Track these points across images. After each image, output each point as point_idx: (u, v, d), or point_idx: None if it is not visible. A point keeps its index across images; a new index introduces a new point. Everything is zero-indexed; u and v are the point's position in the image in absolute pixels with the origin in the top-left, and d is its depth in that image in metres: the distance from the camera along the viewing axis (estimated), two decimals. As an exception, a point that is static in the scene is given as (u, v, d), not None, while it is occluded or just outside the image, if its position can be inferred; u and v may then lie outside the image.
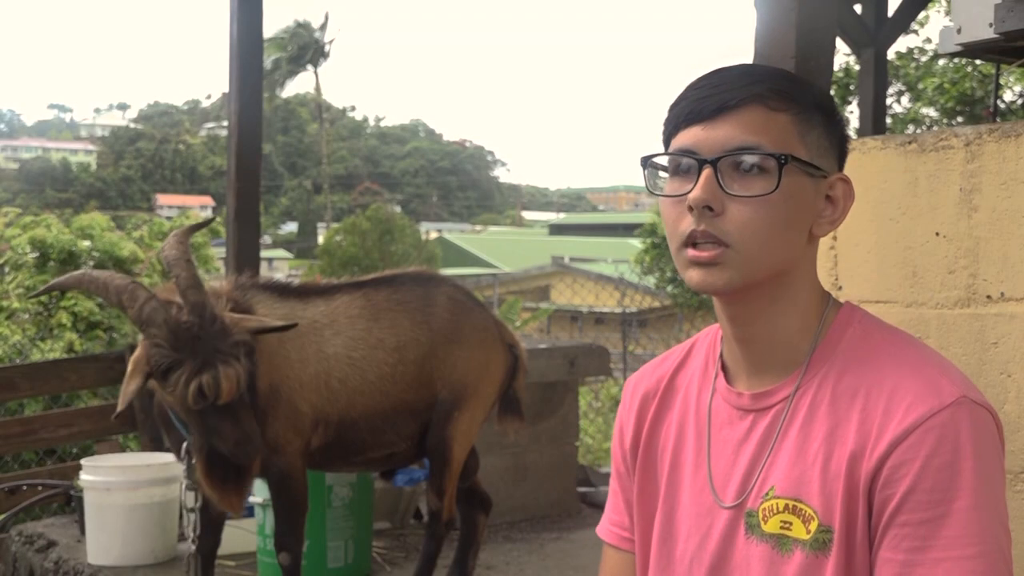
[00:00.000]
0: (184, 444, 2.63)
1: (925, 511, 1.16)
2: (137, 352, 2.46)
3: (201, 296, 2.44)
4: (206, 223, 2.86)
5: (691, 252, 1.25)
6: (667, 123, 1.31)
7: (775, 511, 1.27)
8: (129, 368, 2.46)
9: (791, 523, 1.25)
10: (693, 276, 1.26)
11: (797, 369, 1.30)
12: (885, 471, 1.19)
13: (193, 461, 2.61)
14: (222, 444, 2.43)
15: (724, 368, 1.39)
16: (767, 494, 1.28)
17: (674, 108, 1.30)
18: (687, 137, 1.26)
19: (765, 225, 1.23)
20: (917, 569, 1.16)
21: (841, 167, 1.33)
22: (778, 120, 1.25)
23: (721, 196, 1.23)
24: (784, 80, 1.29)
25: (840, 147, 1.32)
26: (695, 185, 1.23)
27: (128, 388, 2.40)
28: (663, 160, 1.31)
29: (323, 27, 46.19)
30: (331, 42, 46.83)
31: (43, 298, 9.00)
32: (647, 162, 1.32)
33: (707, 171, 1.23)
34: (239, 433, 2.41)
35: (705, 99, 1.26)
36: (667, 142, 1.31)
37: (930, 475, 1.16)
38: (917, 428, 1.18)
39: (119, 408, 2.42)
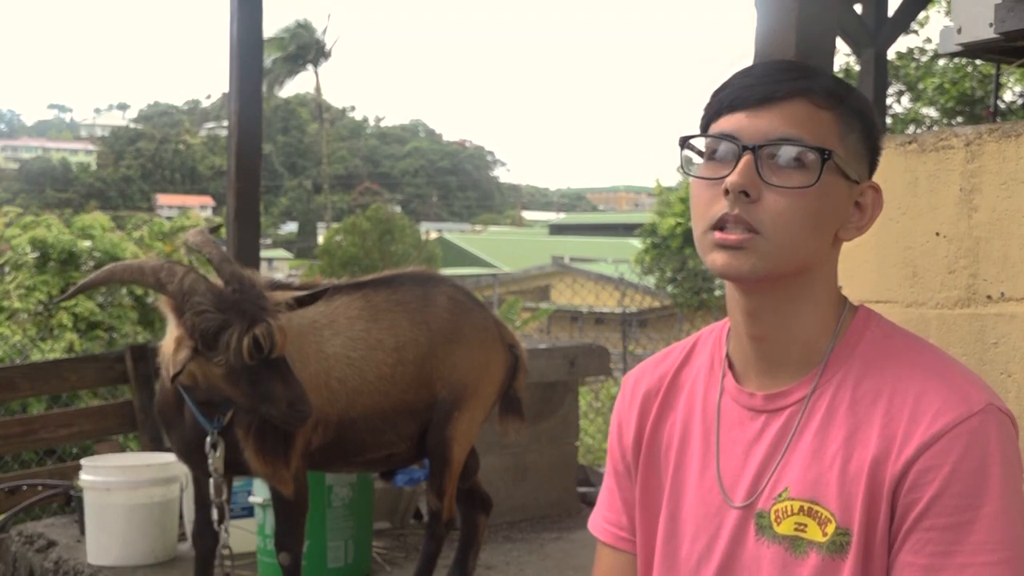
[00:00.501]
0: (207, 438, 2.63)
1: (952, 516, 1.16)
2: (174, 334, 2.47)
3: (234, 267, 2.50)
4: (219, 227, 2.94)
5: (718, 235, 1.24)
6: (708, 108, 1.31)
7: (789, 512, 1.26)
8: (172, 348, 2.48)
9: (806, 525, 1.25)
10: (717, 259, 1.25)
11: (813, 370, 1.30)
12: (912, 475, 1.18)
13: (218, 454, 2.62)
14: (274, 408, 2.43)
15: (732, 367, 1.38)
16: (780, 495, 1.27)
17: (718, 93, 1.31)
18: (729, 122, 1.27)
19: (798, 218, 1.23)
20: (941, 574, 1.16)
21: (871, 175, 1.33)
22: (822, 117, 1.25)
23: (758, 183, 1.23)
24: (832, 80, 1.30)
25: (872, 156, 1.33)
26: (733, 170, 1.23)
27: (178, 357, 2.43)
28: (699, 143, 1.31)
29: (326, 31, 46.28)
30: (335, 42, 46.92)
31: (43, 298, 9.02)
32: (685, 142, 1.32)
33: (747, 157, 1.23)
34: (291, 393, 2.42)
35: (752, 87, 1.27)
36: (705, 127, 1.31)
37: (959, 480, 1.16)
38: (947, 434, 1.18)
39: (172, 373, 2.44)
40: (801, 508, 1.25)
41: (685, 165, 1.32)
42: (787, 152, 1.23)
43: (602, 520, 1.54)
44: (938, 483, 1.17)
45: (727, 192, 1.23)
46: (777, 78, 1.26)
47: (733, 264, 1.24)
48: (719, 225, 1.24)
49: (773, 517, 1.27)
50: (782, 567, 1.26)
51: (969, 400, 1.20)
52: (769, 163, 1.23)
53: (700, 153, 1.31)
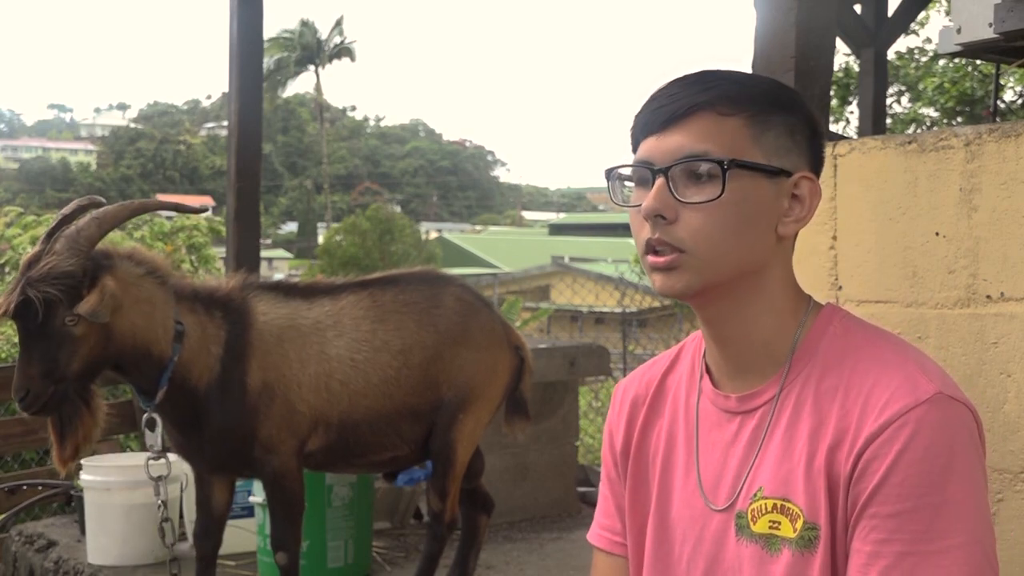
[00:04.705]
0: (145, 415, 2.64)
1: (894, 504, 1.18)
2: None
3: (58, 245, 2.38)
4: (154, 207, 2.61)
5: (651, 258, 1.28)
6: (631, 132, 1.34)
7: (764, 511, 1.28)
8: None
9: (779, 522, 1.27)
10: (656, 280, 1.29)
11: (780, 370, 1.31)
12: (860, 465, 1.21)
13: (155, 432, 2.64)
14: None
15: (708, 371, 1.41)
16: (756, 495, 1.29)
17: (634, 120, 1.33)
18: (644, 148, 1.30)
19: (717, 229, 1.25)
20: (880, 561, 1.18)
21: (813, 163, 1.32)
22: (728, 125, 1.26)
23: (674, 204, 1.25)
24: (735, 84, 1.29)
25: (811, 143, 1.32)
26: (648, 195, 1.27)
27: None
28: (627, 170, 1.34)
29: (340, 26, 46.30)
30: (353, 42, 47.02)
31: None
32: (611, 173, 1.35)
33: (659, 181, 1.26)
34: (18, 372, 2.35)
35: (657, 110, 1.29)
36: (634, 150, 1.34)
37: (900, 470, 1.18)
38: (892, 424, 1.19)
39: None
40: (774, 506, 1.28)
41: (615, 194, 1.35)
42: (698, 168, 1.25)
43: (597, 526, 1.57)
44: (881, 473, 1.19)
45: (647, 218, 1.26)
46: (680, 96, 1.27)
47: (668, 283, 1.28)
48: (650, 249, 1.28)
49: (750, 516, 1.30)
50: (759, 565, 1.28)
51: (917, 390, 1.21)
52: (686, 181, 1.26)
53: (631, 179, 1.34)
